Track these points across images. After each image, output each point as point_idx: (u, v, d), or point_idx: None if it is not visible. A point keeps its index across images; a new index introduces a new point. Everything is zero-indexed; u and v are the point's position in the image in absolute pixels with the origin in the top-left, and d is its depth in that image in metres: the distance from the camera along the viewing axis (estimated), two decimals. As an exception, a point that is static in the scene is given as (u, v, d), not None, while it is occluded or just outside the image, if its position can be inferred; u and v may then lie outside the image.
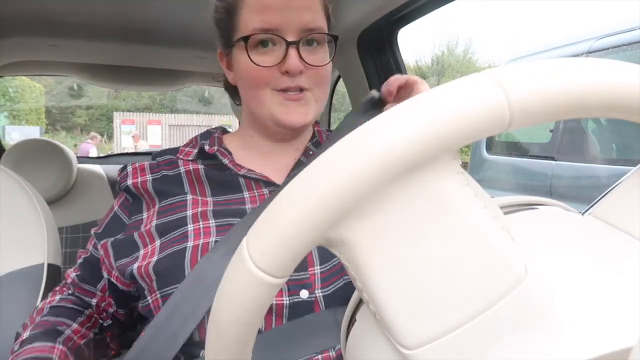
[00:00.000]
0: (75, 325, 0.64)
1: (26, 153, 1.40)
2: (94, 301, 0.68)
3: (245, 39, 0.60)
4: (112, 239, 0.64)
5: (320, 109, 0.65)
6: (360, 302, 0.31)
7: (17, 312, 0.71)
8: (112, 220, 0.67)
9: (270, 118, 0.63)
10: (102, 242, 0.65)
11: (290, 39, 0.59)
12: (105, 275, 0.64)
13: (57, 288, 0.70)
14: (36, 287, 0.74)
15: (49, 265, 0.76)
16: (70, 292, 0.69)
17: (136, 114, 13.11)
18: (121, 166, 0.69)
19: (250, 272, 0.23)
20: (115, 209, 0.67)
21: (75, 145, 12.21)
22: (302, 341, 0.52)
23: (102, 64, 1.62)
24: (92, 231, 0.69)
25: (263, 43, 0.60)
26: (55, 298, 0.67)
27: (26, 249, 0.75)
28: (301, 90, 0.61)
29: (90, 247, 0.68)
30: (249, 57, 0.60)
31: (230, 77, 0.68)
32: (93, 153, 7.21)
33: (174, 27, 1.29)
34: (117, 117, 12.79)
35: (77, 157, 1.58)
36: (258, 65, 0.60)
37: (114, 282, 0.64)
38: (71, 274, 0.69)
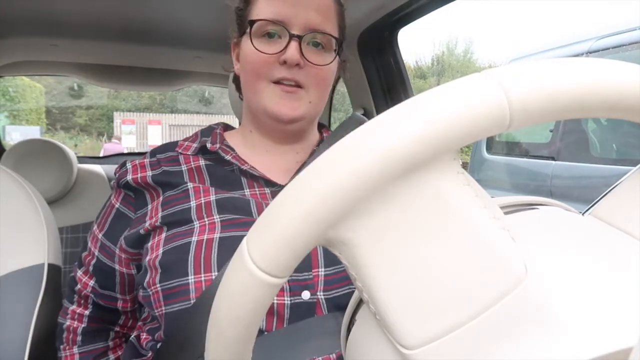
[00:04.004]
0: None
1: (26, 153, 1.40)
2: (119, 306, 0.70)
3: (252, 23, 0.62)
4: (123, 238, 0.64)
5: (315, 111, 0.65)
6: (360, 302, 0.31)
7: (17, 312, 0.71)
8: (117, 218, 0.67)
9: (262, 109, 0.63)
10: (116, 244, 0.66)
11: (294, 32, 0.60)
12: (125, 271, 0.67)
13: (74, 307, 0.71)
14: (36, 288, 0.73)
15: (50, 265, 0.76)
16: (89, 312, 0.70)
17: (136, 114, 13.09)
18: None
19: (251, 272, 0.23)
20: (116, 206, 0.67)
21: (76, 146, 12.19)
22: (302, 344, 0.52)
23: (103, 64, 1.62)
24: (96, 233, 0.69)
25: (270, 34, 0.62)
26: (77, 338, 0.70)
27: (26, 249, 0.75)
28: (297, 85, 0.62)
29: (95, 250, 0.68)
30: (252, 43, 0.61)
31: (237, 67, 0.69)
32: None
33: (174, 27, 1.29)
34: (117, 117, 12.78)
35: (79, 157, 1.58)
36: (259, 51, 0.61)
37: (132, 274, 0.67)
38: (89, 282, 0.69)
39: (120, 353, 0.72)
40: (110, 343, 0.72)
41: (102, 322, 0.71)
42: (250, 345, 0.28)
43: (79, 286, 0.70)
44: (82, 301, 0.70)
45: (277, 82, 0.61)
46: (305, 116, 0.64)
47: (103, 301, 0.69)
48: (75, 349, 0.69)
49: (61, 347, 0.70)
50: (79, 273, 0.70)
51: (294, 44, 0.60)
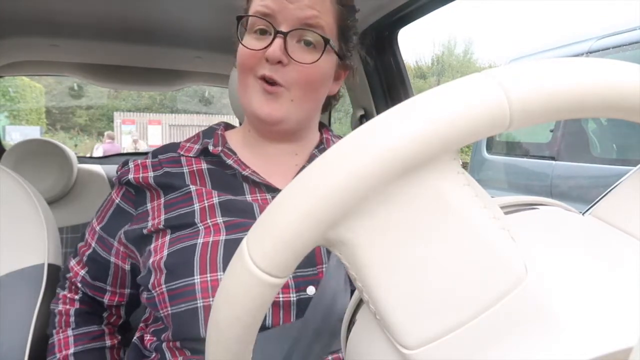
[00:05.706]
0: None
1: (26, 153, 1.40)
2: (106, 299, 0.70)
3: (239, 17, 0.62)
4: (123, 231, 0.65)
5: (301, 110, 0.63)
6: (360, 302, 0.31)
7: (17, 312, 0.71)
8: (116, 212, 0.67)
9: (249, 110, 0.63)
10: (114, 237, 0.66)
11: (281, 29, 0.59)
12: (121, 264, 0.67)
13: (65, 292, 0.71)
14: (36, 287, 0.73)
15: (50, 265, 0.76)
16: (79, 296, 0.70)
17: (136, 114, 13.09)
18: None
19: (251, 273, 0.23)
20: (116, 200, 0.67)
21: (76, 146, 12.18)
22: (313, 339, 0.52)
23: (103, 64, 1.62)
24: (94, 225, 0.69)
25: (261, 30, 0.61)
26: (70, 319, 0.69)
27: (26, 249, 0.75)
28: (277, 84, 0.60)
29: (92, 242, 0.69)
30: (239, 39, 0.61)
31: None
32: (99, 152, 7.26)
33: (174, 27, 1.29)
34: (118, 117, 12.78)
35: (79, 157, 1.59)
36: (246, 47, 0.60)
37: (129, 269, 0.67)
38: (80, 271, 0.69)
39: (116, 341, 0.72)
40: (105, 328, 0.72)
41: (93, 306, 0.71)
42: (251, 346, 0.28)
43: (70, 274, 0.71)
44: (73, 287, 0.71)
45: (260, 76, 0.61)
46: (288, 116, 0.62)
47: (91, 291, 0.70)
48: (70, 332, 0.68)
49: (54, 331, 0.69)
50: (72, 262, 0.71)
51: (278, 41, 0.58)
